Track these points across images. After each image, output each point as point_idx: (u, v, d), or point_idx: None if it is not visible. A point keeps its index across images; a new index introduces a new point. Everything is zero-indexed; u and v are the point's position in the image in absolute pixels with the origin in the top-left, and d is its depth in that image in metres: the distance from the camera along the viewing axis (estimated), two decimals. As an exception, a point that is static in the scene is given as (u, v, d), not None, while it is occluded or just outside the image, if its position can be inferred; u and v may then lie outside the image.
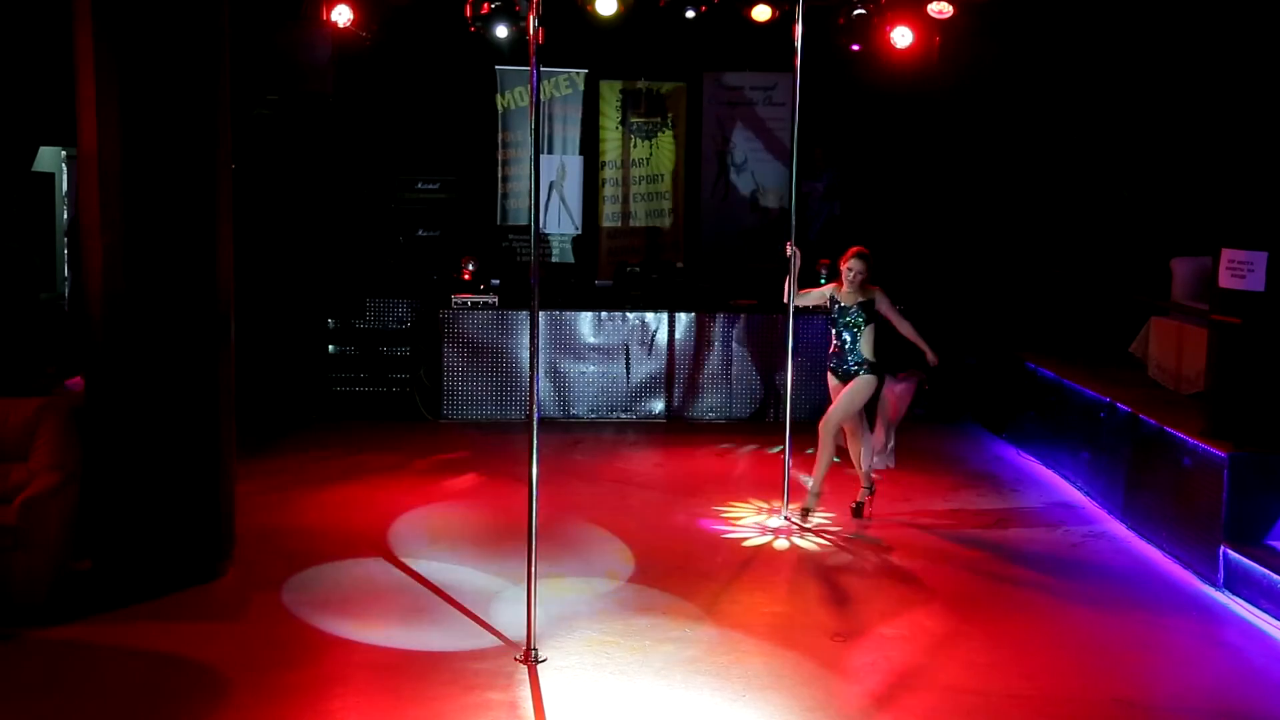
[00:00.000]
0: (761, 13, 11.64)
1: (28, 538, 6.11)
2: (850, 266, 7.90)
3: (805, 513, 8.08)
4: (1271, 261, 6.97)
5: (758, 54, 12.61)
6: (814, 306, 8.30)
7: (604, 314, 11.23)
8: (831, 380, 8.09)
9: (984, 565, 7.38)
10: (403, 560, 7.14)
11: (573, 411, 11.20)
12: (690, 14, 11.58)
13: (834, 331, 8.03)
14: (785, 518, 8.09)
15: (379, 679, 5.55)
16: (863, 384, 7.91)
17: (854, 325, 7.90)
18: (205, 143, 6.64)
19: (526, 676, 5.58)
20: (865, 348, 7.90)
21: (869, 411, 8.11)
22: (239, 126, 7.37)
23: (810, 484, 8.15)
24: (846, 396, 7.94)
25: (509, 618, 6.20)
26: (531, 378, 5.99)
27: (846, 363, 7.96)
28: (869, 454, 8.13)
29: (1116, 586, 7.09)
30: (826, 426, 7.98)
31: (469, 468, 9.42)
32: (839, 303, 7.96)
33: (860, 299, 7.89)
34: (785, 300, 8.14)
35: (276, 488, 8.58)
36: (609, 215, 13.02)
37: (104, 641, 5.94)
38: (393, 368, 11.56)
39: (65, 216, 13.57)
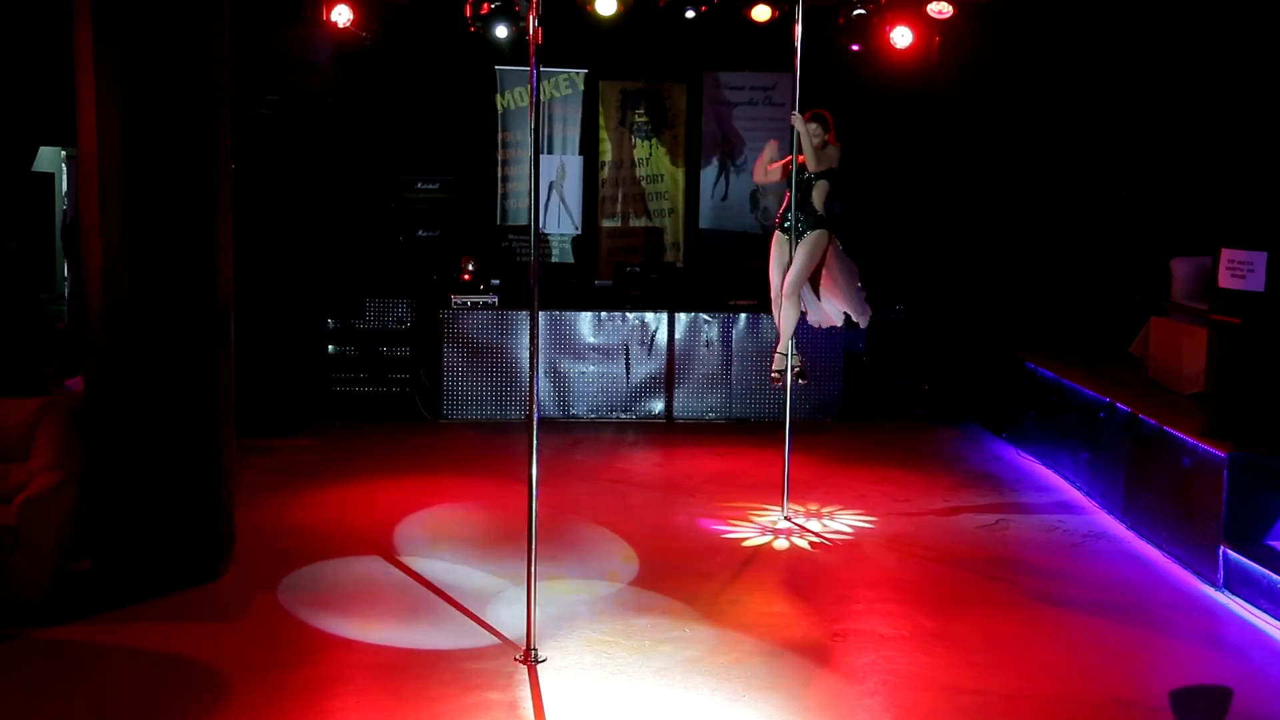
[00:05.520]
0: (761, 13, 11.63)
1: (27, 538, 6.10)
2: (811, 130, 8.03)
3: (791, 372, 8.17)
4: (1271, 261, 6.96)
5: (758, 54, 12.59)
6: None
7: (604, 314, 11.23)
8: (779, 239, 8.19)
9: (983, 565, 7.38)
10: (402, 560, 7.14)
11: (573, 411, 11.20)
12: (690, 14, 11.56)
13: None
14: (785, 518, 8.10)
15: (379, 679, 5.55)
16: (815, 238, 8.05)
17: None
18: (205, 143, 6.64)
19: (526, 676, 5.58)
20: (818, 203, 8.06)
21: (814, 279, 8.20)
22: (239, 126, 7.37)
23: (785, 350, 8.22)
24: (804, 251, 8.05)
25: (509, 618, 6.20)
26: (531, 378, 5.98)
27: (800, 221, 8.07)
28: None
29: (1116, 586, 7.09)
30: (790, 287, 8.06)
31: (469, 467, 9.42)
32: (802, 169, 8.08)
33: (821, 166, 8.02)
34: (755, 178, 8.43)
35: (276, 488, 8.57)
36: (609, 215, 13.02)
37: (104, 641, 5.94)
38: (393, 368, 11.55)
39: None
